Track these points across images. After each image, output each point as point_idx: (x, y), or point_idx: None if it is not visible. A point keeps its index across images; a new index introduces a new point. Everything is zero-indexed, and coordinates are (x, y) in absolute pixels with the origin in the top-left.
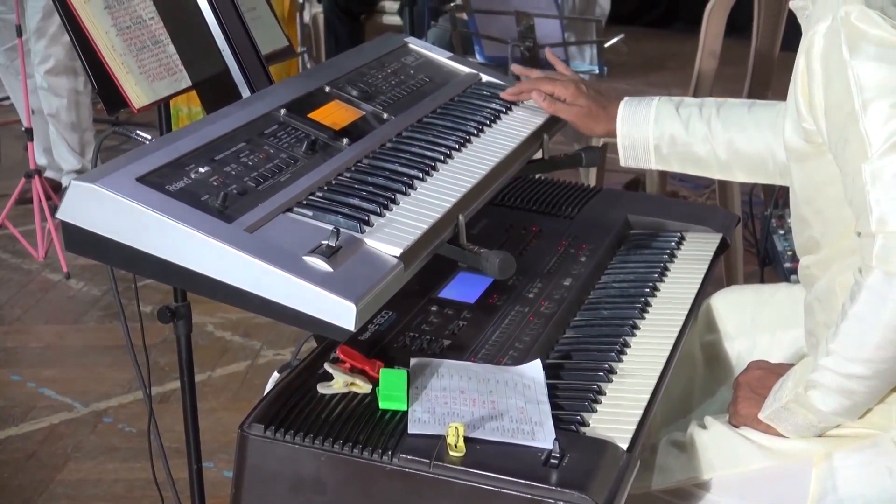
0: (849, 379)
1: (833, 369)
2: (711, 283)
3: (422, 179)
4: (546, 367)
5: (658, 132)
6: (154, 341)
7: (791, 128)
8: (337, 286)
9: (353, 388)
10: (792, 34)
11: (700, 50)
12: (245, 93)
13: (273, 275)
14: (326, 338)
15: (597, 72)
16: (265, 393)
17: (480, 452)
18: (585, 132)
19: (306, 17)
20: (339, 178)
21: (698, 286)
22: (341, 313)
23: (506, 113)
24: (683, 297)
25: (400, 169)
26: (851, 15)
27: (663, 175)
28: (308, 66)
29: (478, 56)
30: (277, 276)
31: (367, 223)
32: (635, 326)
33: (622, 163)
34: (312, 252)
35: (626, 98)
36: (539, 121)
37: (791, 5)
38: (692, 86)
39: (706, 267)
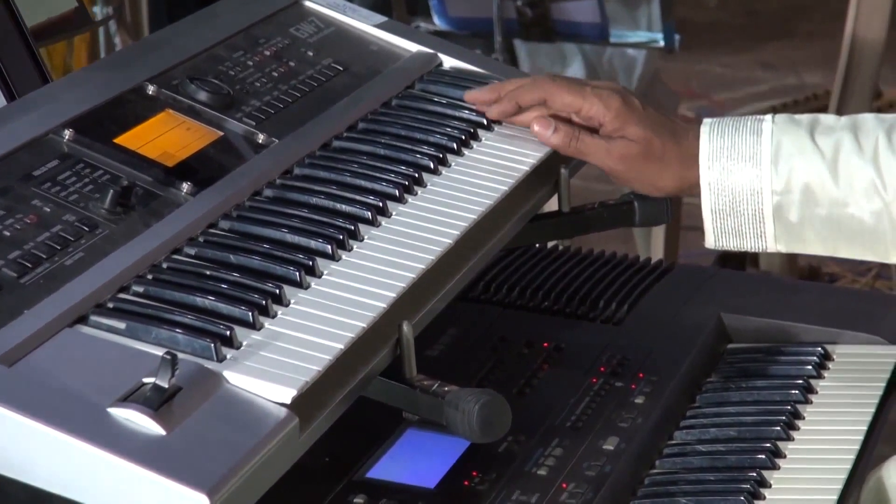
0: None
1: None
2: (883, 438)
3: (332, 257)
4: None
5: (781, 180)
6: None
7: None
8: (173, 463)
9: None
10: None
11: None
12: None
13: (51, 442)
14: None
15: (661, 44)
16: None
17: None
18: (642, 189)
19: None
20: (176, 256)
21: (858, 447)
22: None
23: (489, 128)
24: (830, 468)
25: (290, 238)
26: None
27: None
28: (116, 43)
29: (437, 19)
30: (59, 445)
31: (230, 342)
32: None
33: (710, 243)
34: (126, 400)
35: (706, 120)
36: None
37: None
38: (840, 72)
39: (872, 410)
